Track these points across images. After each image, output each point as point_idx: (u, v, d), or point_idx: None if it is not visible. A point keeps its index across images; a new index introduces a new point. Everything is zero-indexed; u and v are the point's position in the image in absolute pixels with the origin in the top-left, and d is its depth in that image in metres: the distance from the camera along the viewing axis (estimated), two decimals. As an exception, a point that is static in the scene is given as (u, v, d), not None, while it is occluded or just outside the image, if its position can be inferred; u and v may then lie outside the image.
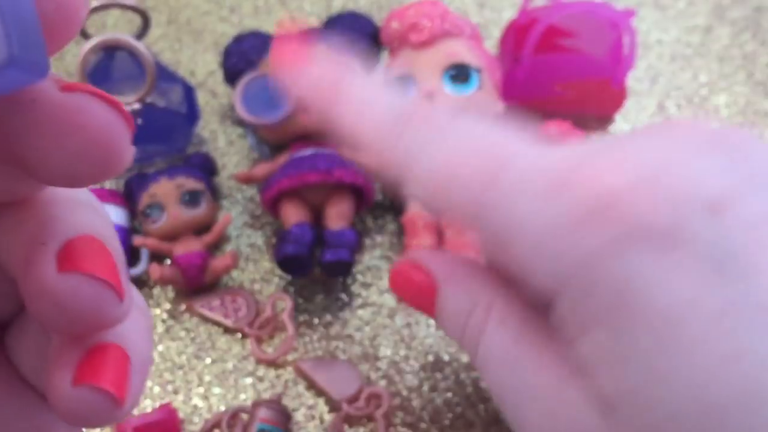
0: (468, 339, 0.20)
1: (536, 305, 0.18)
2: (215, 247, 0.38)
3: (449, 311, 0.20)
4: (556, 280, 0.16)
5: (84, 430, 0.14)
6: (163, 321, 0.36)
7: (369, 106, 0.19)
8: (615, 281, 0.15)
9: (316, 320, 0.36)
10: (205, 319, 0.36)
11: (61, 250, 0.11)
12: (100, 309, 0.11)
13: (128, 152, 0.11)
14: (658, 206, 0.15)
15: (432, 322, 0.36)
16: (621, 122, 0.42)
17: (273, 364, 0.35)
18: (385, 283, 0.37)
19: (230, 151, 0.41)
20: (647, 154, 0.16)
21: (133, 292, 0.12)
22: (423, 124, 0.18)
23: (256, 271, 0.38)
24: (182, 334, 0.36)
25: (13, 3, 0.09)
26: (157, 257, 0.37)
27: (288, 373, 0.35)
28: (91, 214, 0.12)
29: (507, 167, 0.17)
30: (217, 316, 0.36)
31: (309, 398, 0.34)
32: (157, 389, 0.35)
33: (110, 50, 0.37)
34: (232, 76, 0.38)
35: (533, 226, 0.16)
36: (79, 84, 0.10)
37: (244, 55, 0.37)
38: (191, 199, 0.36)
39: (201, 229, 0.37)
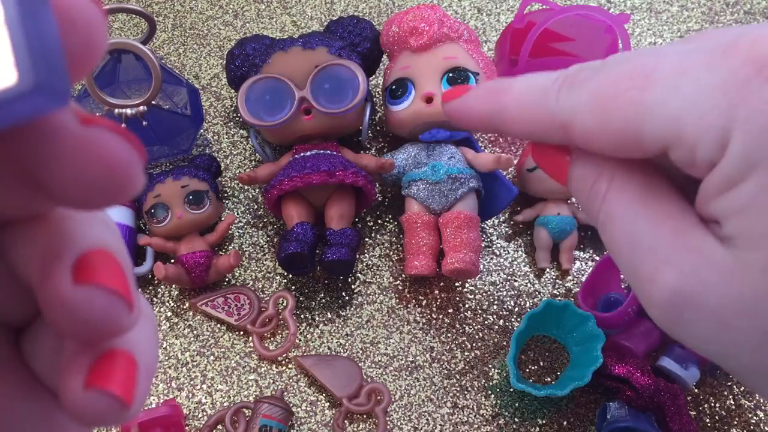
0: (590, 203, 0.22)
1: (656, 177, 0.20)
2: (219, 246, 0.39)
3: (577, 178, 0.23)
4: (724, 134, 0.17)
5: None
6: (168, 319, 0.37)
7: (530, 87, 0.22)
8: None
9: (317, 318, 0.37)
10: (209, 317, 0.37)
11: (76, 263, 0.12)
12: (112, 318, 0.12)
13: (140, 180, 0.11)
14: None
15: (431, 320, 0.37)
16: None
17: (275, 360, 0.36)
18: (385, 281, 0.38)
19: (233, 153, 0.41)
20: None
21: (141, 301, 0.13)
22: (570, 82, 0.20)
23: (258, 269, 0.38)
24: (186, 331, 0.36)
25: (39, 32, 0.09)
26: (162, 256, 0.38)
27: (290, 369, 0.35)
28: (102, 228, 0.13)
29: (657, 69, 0.19)
30: (221, 314, 0.36)
31: (310, 394, 0.35)
32: (161, 386, 0.35)
33: (117, 54, 0.38)
34: (235, 79, 0.38)
35: (701, 94, 0.17)
36: (96, 118, 0.11)
37: (247, 59, 0.37)
38: (195, 199, 0.36)
39: (205, 228, 0.37)
